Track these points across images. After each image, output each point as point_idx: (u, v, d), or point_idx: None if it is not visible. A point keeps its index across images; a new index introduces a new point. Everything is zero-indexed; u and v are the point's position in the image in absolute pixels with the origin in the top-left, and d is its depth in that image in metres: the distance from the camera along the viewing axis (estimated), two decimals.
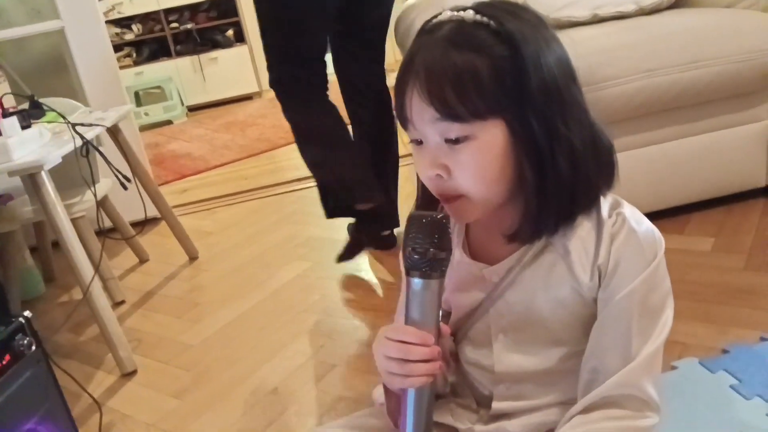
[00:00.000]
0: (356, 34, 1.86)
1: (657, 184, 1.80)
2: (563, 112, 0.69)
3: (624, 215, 0.71)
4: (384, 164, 1.94)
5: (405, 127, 0.73)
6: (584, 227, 0.72)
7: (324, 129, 1.84)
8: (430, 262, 0.68)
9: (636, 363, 0.70)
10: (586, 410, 0.72)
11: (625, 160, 1.71)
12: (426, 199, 0.80)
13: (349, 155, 1.85)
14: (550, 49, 0.70)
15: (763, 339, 1.29)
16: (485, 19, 0.68)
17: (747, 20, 1.72)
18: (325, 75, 1.84)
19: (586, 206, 0.72)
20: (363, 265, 2.05)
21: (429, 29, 0.71)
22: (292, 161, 3.42)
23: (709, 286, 1.52)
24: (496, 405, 0.81)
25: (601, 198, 0.73)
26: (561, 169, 0.68)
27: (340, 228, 2.36)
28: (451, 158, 0.69)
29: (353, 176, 1.84)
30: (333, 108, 1.84)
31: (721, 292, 1.49)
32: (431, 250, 0.67)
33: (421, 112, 0.68)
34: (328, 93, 1.84)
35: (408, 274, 0.69)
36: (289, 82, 1.80)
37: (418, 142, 0.72)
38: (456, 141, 0.68)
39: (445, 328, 0.76)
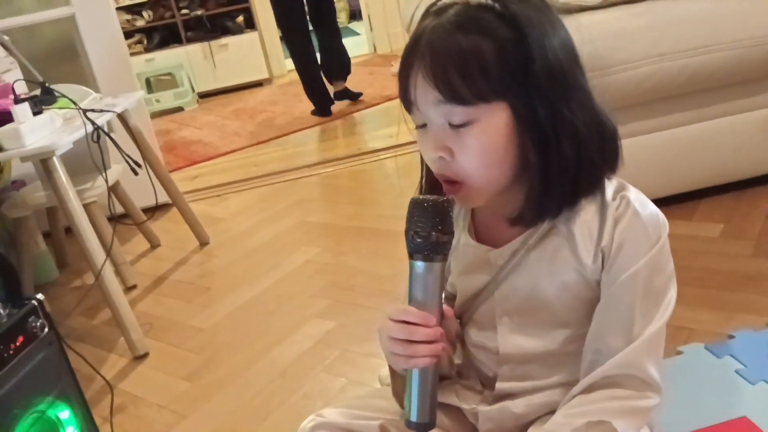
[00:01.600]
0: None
1: (666, 169, 1.80)
2: (567, 95, 0.69)
3: (628, 198, 0.72)
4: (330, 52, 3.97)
5: (409, 110, 0.73)
6: (588, 210, 0.73)
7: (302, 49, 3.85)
8: (432, 246, 0.68)
9: (638, 343, 0.70)
10: (587, 390, 0.73)
11: (634, 145, 1.74)
12: (430, 183, 0.81)
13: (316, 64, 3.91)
14: (554, 32, 0.70)
15: None
16: (490, 1, 0.69)
17: (757, 5, 1.70)
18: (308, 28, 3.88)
19: (590, 190, 0.73)
20: (372, 251, 2.06)
21: (434, 12, 0.71)
22: (301, 148, 3.43)
23: (716, 272, 1.52)
24: (500, 385, 0.82)
25: (606, 181, 0.73)
26: (565, 153, 0.69)
27: (350, 215, 2.38)
28: (454, 141, 0.69)
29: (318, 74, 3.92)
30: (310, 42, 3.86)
31: (729, 278, 1.49)
32: (433, 233, 0.68)
33: (425, 94, 0.68)
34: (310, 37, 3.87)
35: (411, 257, 0.70)
36: (290, 33, 3.87)
37: (423, 126, 0.72)
38: (459, 126, 0.68)
39: (449, 310, 0.76)
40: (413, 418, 0.72)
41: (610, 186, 0.74)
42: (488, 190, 0.72)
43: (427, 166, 0.78)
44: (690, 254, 1.61)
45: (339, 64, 3.98)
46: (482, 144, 0.69)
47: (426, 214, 0.68)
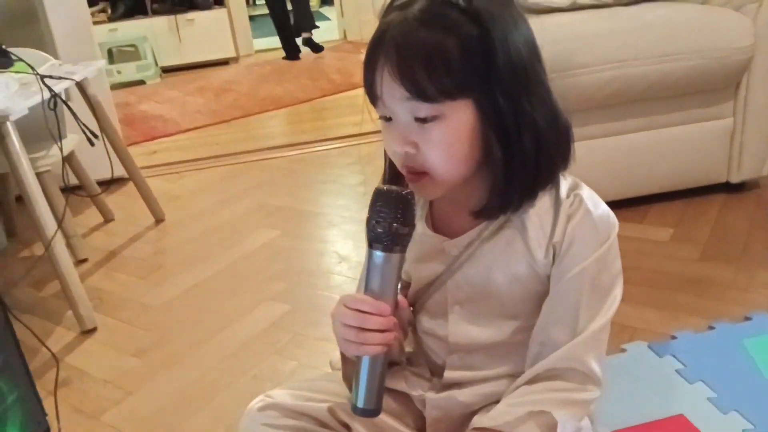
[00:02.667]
0: None
1: (621, 173, 1.84)
2: (528, 90, 0.70)
3: (581, 196, 0.73)
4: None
5: (374, 103, 0.73)
6: (542, 206, 0.74)
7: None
8: (392, 237, 0.69)
9: (581, 338, 0.72)
10: (530, 381, 0.75)
11: (592, 147, 1.78)
12: (393, 174, 0.81)
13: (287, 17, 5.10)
14: (517, 28, 0.71)
15: (711, 327, 1.34)
16: None
17: (719, 18, 1.75)
18: None
19: (546, 183, 0.74)
20: (330, 237, 2.06)
21: (398, 6, 0.71)
22: (265, 130, 3.40)
23: (663, 274, 1.57)
24: (448, 374, 0.84)
25: (561, 179, 0.75)
26: (525, 147, 0.70)
27: (311, 200, 2.37)
28: (420, 136, 0.70)
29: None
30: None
31: (675, 280, 1.54)
32: (395, 225, 0.68)
33: (391, 90, 0.69)
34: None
35: (370, 246, 0.70)
36: None
37: (387, 119, 0.72)
38: (425, 120, 0.69)
39: (403, 301, 0.77)
40: (360, 404, 0.73)
41: (564, 183, 0.75)
42: (450, 183, 0.73)
43: (389, 157, 0.79)
44: (639, 255, 1.65)
45: (305, 17, 5.38)
46: (447, 138, 0.69)
47: (389, 204, 0.68)
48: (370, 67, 0.70)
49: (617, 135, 1.81)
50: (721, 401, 1.12)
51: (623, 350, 1.29)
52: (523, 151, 0.70)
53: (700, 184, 1.91)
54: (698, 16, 1.78)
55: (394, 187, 0.70)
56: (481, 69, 0.68)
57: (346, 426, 0.86)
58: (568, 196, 0.74)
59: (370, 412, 0.74)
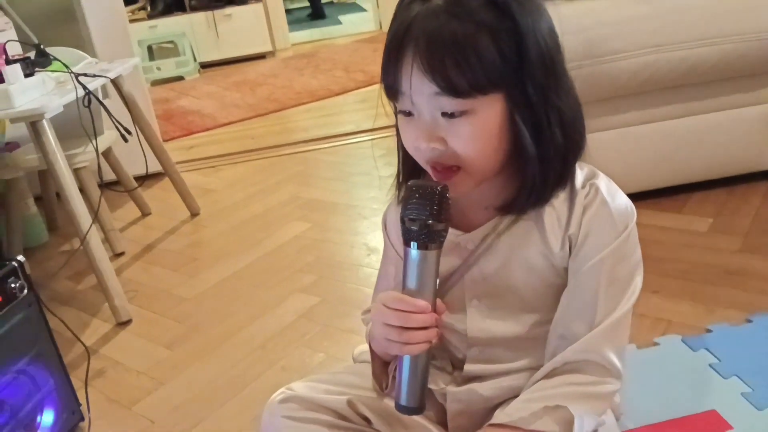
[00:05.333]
0: None
1: (658, 162, 1.79)
2: (556, 81, 0.69)
3: (597, 186, 0.72)
4: None
5: (396, 98, 0.70)
6: (558, 197, 0.73)
7: None
8: (427, 234, 0.67)
9: (599, 330, 0.71)
10: (548, 375, 0.73)
11: (627, 135, 1.74)
12: (408, 169, 0.80)
13: None
14: (543, 19, 0.69)
15: (748, 320, 1.29)
16: None
17: None
18: None
19: (573, 172, 0.73)
20: (360, 229, 2.06)
21: None
22: (300, 122, 3.42)
23: (701, 265, 1.52)
24: (468, 367, 0.83)
25: (577, 168, 0.73)
26: (556, 138, 0.69)
27: (342, 192, 2.38)
28: (447, 131, 0.68)
29: None
30: None
31: (713, 272, 1.49)
32: (430, 221, 0.67)
33: (420, 86, 0.66)
34: None
35: (406, 243, 0.69)
36: None
37: (407, 114, 0.70)
38: (452, 115, 0.67)
39: (441, 305, 0.75)
40: (402, 401, 0.73)
41: (580, 173, 0.74)
42: (483, 176, 0.71)
43: (404, 151, 0.77)
44: (677, 247, 1.60)
45: None
46: (478, 133, 0.68)
47: (423, 200, 0.67)
48: (394, 61, 0.68)
49: (653, 122, 1.75)
50: (756, 397, 1.08)
51: (656, 344, 1.26)
52: (554, 143, 0.69)
53: (741, 173, 1.84)
54: None
55: (427, 183, 0.68)
56: (513, 62, 0.66)
57: (366, 419, 0.86)
58: (584, 186, 0.72)
59: (414, 410, 0.73)
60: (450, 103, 0.66)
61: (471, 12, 0.65)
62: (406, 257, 0.70)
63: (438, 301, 0.73)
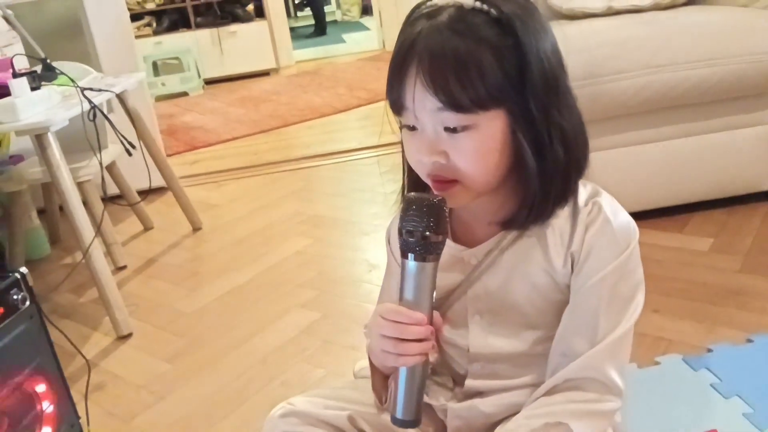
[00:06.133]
0: None
1: (659, 181, 1.80)
2: (558, 98, 0.70)
3: (600, 204, 0.72)
4: None
5: (400, 113, 0.71)
6: (561, 215, 0.73)
7: None
8: (425, 246, 0.68)
9: (600, 347, 0.71)
10: (549, 392, 0.73)
11: (628, 155, 1.75)
12: (413, 183, 0.81)
13: None
14: (546, 36, 0.70)
15: (749, 340, 1.29)
16: (485, 6, 0.68)
17: (758, 21, 1.70)
18: None
19: (575, 190, 0.73)
20: (361, 245, 2.06)
21: (426, 14, 0.69)
22: (302, 139, 3.43)
23: (701, 285, 1.52)
24: (470, 383, 0.83)
25: (580, 186, 0.74)
26: (557, 155, 0.69)
27: (344, 208, 2.38)
28: (449, 145, 0.69)
29: None
30: None
31: (713, 292, 1.49)
32: (427, 233, 0.67)
33: (423, 101, 0.67)
34: None
35: (404, 255, 0.70)
36: None
37: (411, 128, 0.71)
38: (455, 130, 0.68)
39: (439, 318, 0.75)
40: (399, 414, 0.72)
41: (584, 191, 0.74)
42: (481, 191, 0.72)
43: (409, 166, 0.78)
44: (677, 266, 1.61)
45: None
46: (479, 148, 0.68)
47: (420, 213, 0.67)
48: (398, 77, 0.69)
49: (654, 142, 1.76)
50: (757, 417, 1.07)
51: (657, 363, 1.26)
52: (555, 160, 0.69)
53: (742, 193, 1.84)
54: (738, 19, 1.73)
55: (425, 195, 0.69)
56: (516, 79, 0.67)
57: None
58: (586, 204, 0.73)
59: (410, 423, 0.73)
60: (452, 119, 0.67)
61: (474, 29, 0.66)
62: (403, 269, 0.70)
63: (436, 314, 0.73)
